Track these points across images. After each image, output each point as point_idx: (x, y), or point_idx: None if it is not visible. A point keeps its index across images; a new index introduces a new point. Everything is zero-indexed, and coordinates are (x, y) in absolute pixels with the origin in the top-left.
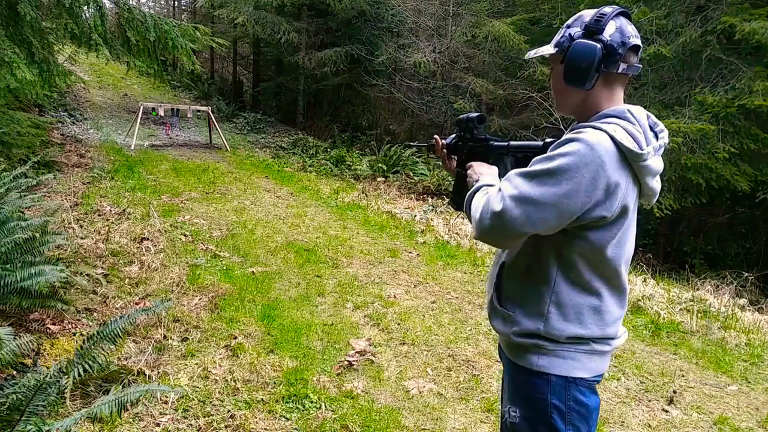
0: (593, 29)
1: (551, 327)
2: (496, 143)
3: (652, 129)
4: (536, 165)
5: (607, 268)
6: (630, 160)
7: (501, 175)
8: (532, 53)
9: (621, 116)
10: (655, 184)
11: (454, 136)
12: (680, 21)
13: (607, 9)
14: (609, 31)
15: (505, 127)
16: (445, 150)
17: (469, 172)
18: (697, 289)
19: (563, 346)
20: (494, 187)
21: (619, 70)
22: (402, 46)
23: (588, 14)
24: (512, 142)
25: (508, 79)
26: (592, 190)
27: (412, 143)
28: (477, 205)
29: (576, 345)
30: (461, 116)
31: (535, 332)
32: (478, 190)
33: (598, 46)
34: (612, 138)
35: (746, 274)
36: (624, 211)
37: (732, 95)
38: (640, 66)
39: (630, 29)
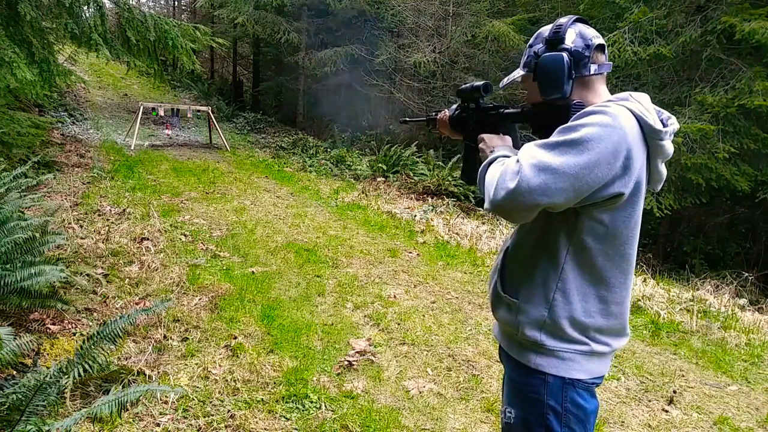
0: (555, 40)
1: (556, 315)
2: (508, 111)
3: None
4: (556, 135)
5: (620, 255)
6: (648, 137)
7: (514, 145)
8: (505, 80)
9: (627, 99)
10: (663, 168)
11: (456, 107)
12: (680, 21)
13: (563, 20)
14: (570, 38)
15: None
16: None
17: (480, 145)
18: (697, 289)
19: (564, 344)
20: (511, 158)
21: (592, 72)
22: (402, 46)
23: (546, 29)
24: (527, 108)
25: None
26: (613, 161)
27: (408, 119)
28: (493, 175)
29: (576, 345)
30: (464, 86)
31: (539, 320)
32: (494, 161)
33: (564, 54)
34: (632, 112)
35: (746, 274)
36: (637, 189)
37: (732, 95)
38: (611, 63)
39: (590, 32)
